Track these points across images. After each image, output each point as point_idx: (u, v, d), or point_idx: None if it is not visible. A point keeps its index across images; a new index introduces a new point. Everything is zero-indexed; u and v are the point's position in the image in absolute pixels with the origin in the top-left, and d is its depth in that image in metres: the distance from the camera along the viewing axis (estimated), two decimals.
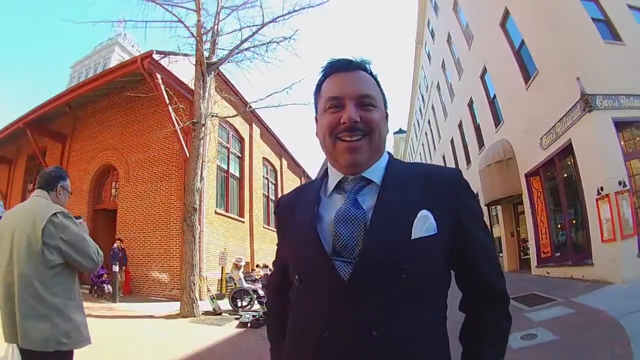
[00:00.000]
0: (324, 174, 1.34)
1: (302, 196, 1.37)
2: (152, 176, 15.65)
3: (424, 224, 1.11)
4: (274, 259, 1.54)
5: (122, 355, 6.27)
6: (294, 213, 1.32)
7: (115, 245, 13.94)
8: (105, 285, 13.09)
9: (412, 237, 1.10)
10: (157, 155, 15.71)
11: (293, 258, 1.29)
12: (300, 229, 1.24)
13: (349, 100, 1.20)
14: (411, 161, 1.55)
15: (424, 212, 1.12)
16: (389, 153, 1.32)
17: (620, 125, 10.15)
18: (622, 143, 10.20)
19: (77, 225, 2.77)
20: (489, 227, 19.22)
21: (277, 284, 1.48)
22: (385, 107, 1.31)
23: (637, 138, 10.54)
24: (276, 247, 1.53)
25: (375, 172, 1.23)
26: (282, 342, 1.34)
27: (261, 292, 12.41)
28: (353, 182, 1.23)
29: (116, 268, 12.88)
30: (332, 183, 1.28)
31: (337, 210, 1.18)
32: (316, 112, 1.33)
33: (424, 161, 38.36)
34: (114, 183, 17.27)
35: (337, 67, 1.26)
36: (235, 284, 12.86)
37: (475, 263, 1.23)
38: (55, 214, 2.63)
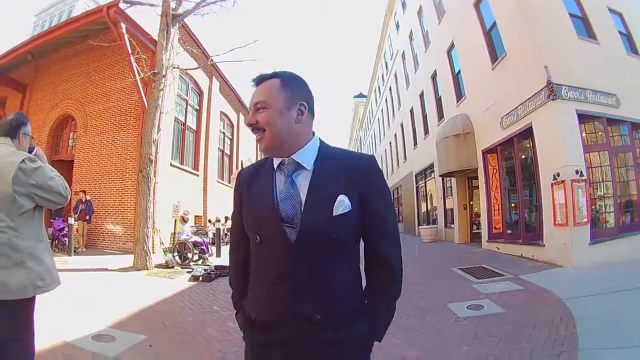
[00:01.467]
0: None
1: (259, 172, 1.70)
2: (110, 127, 15.47)
3: (341, 205, 1.50)
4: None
5: (76, 309, 6.23)
6: (252, 185, 1.69)
7: (80, 198, 13.83)
8: (66, 239, 12.91)
9: (333, 215, 1.50)
10: (116, 105, 15.52)
11: (254, 223, 1.62)
12: (260, 201, 1.60)
13: (250, 109, 1.62)
14: (338, 147, 1.69)
15: (341, 197, 1.51)
16: (320, 139, 1.68)
17: (584, 118, 10.46)
18: (584, 135, 10.51)
19: (44, 166, 2.77)
20: (443, 199, 19.63)
21: (241, 249, 1.77)
22: (290, 99, 1.60)
23: (600, 133, 10.86)
24: (232, 216, 1.86)
25: (305, 157, 1.59)
26: (243, 287, 1.75)
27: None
28: (289, 166, 1.60)
29: (72, 221, 12.64)
30: (275, 163, 1.64)
31: (279, 189, 1.57)
32: None
33: (382, 127, 39.91)
34: (72, 133, 16.92)
35: (253, 83, 1.65)
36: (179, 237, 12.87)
37: (373, 233, 1.62)
38: (23, 160, 2.62)
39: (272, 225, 1.52)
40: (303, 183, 1.56)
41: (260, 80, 1.63)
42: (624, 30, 12.32)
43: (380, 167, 1.72)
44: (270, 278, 1.52)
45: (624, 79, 11.20)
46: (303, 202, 1.52)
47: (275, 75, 1.63)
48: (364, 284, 1.69)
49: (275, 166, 1.64)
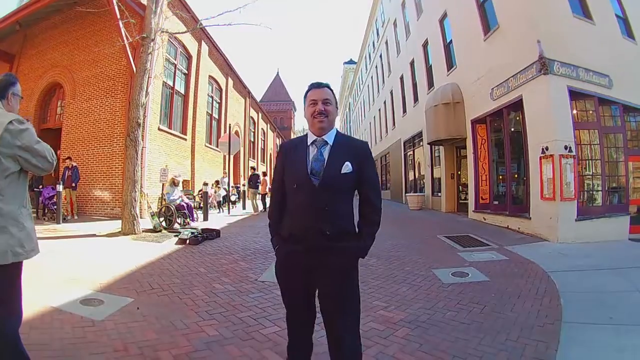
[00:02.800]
0: (306, 135, 2.66)
1: (297, 144, 2.66)
2: (99, 93, 15.39)
3: (346, 167, 2.45)
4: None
5: (63, 274, 6.22)
6: (293, 153, 2.63)
7: (67, 165, 13.71)
8: (55, 207, 12.82)
9: (341, 172, 2.44)
10: (104, 71, 15.42)
11: (294, 175, 2.52)
12: (298, 163, 2.52)
13: (319, 101, 2.55)
14: (345, 134, 2.32)
15: (347, 163, 2.46)
16: (336, 129, 2.66)
17: (575, 95, 10.43)
18: (575, 112, 10.50)
19: (31, 128, 2.71)
20: (431, 167, 19.71)
21: (279, 194, 2.70)
22: (336, 105, 2.71)
23: (590, 111, 10.83)
24: (274, 173, 2.83)
25: (330, 137, 2.56)
26: (279, 219, 2.67)
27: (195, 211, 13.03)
28: (320, 142, 2.55)
29: (60, 188, 12.56)
30: (309, 139, 2.60)
31: (312, 155, 2.53)
32: (304, 105, 2.68)
33: (371, 94, 40.30)
34: (59, 101, 16.86)
35: (315, 86, 2.62)
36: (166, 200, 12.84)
37: (364, 187, 2.59)
38: (11, 122, 2.55)
39: (305, 177, 2.45)
40: (326, 153, 2.52)
41: (323, 85, 2.62)
42: (621, 13, 12.19)
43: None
44: (302, 207, 2.46)
45: (617, 61, 11.17)
46: (325, 164, 2.47)
47: (328, 86, 2.64)
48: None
49: (309, 142, 2.58)
